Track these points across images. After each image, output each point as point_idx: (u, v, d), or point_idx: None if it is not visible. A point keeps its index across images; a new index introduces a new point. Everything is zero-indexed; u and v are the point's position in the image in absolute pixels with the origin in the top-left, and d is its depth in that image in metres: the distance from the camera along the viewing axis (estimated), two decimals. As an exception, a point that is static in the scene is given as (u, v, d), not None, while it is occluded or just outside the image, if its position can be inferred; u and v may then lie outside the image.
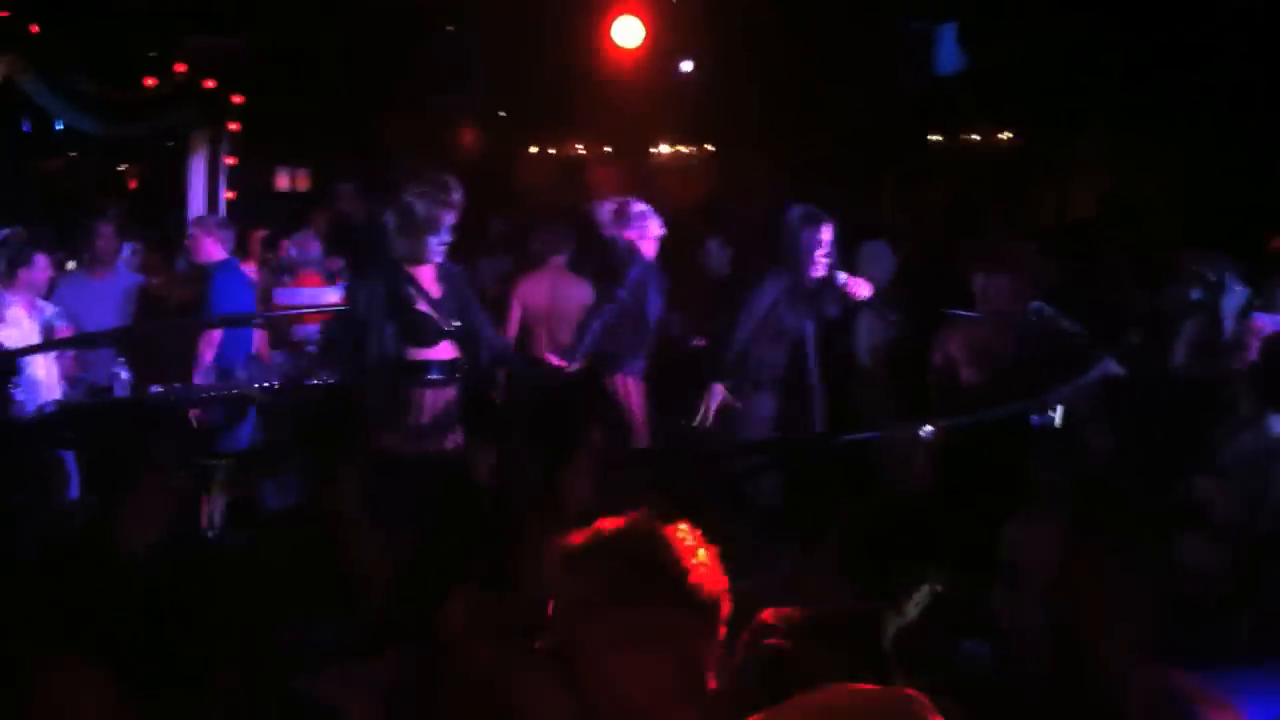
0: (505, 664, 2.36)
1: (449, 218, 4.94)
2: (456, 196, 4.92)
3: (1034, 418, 4.42)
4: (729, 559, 2.22)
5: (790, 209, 6.11)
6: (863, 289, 6.13)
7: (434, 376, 4.85)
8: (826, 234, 5.99)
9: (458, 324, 4.93)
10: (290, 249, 8.40)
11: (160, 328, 7.09)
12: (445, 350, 4.91)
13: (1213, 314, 5.16)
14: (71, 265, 8.09)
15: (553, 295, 6.94)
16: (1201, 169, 9.11)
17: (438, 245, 4.97)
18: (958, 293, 5.86)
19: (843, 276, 6.10)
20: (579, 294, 6.90)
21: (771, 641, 1.96)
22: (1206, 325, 5.24)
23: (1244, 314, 4.97)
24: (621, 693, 1.87)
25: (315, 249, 8.36)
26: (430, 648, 2.41)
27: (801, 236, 5.97)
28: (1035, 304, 5.72)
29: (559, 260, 7.02)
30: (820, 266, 5.99)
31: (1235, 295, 5.05)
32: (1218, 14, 8.50)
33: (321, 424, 3.50)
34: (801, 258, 5.96)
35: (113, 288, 7.33)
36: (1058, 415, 4.46)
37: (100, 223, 7.40)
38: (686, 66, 10.57)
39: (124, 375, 6.06)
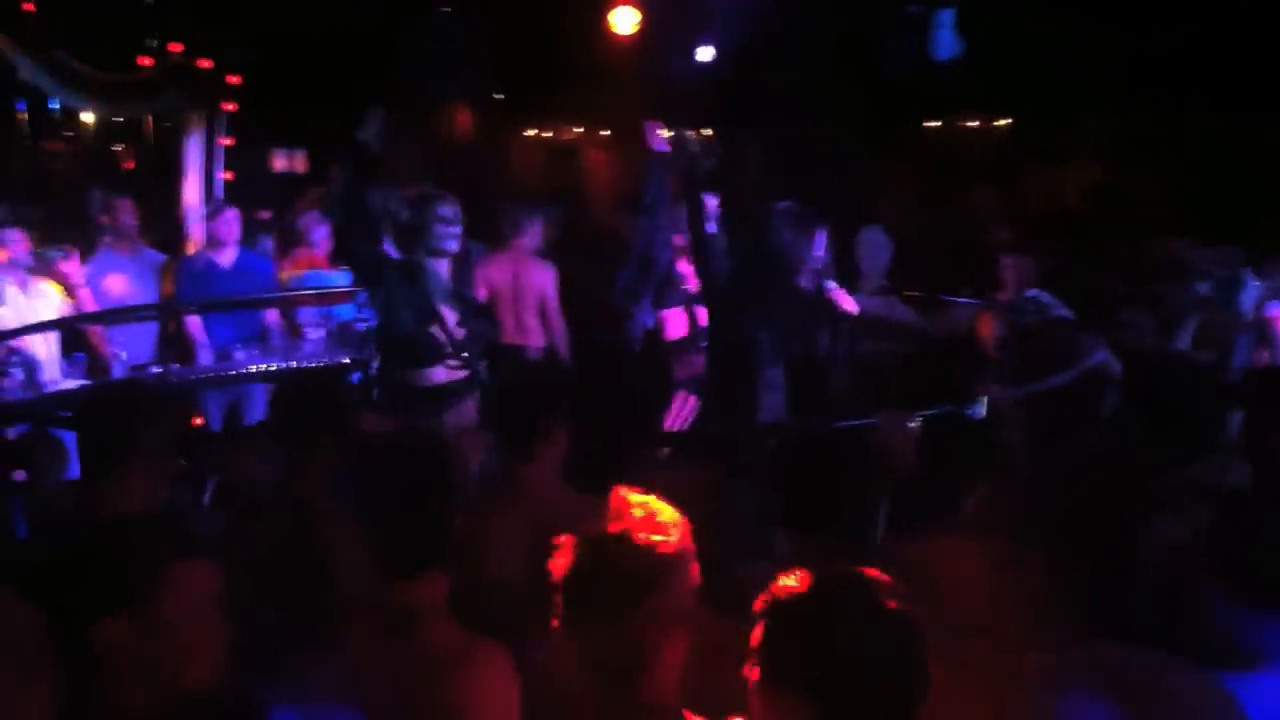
0: (466, 646, 2.37)
1: (446, 229, 4.91)
2: (447, 210, 4.89)
3: (970, 409, 4.32)
4: (731, 544, 2.23)
5: (778, 207, 5.67)
6: (849, 303, 5.73)
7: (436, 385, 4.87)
8: (820, 240, 5.55)
9: (461, 338, 4.93)
10: (301, 224, 8.35)
11: (164, 310, 7.05)
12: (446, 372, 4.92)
13: (1220, 309, 5.10)
14: (56, 254, 8.02)
15: (514, 278, 6.93)
16: (1196, 158, 9.13)
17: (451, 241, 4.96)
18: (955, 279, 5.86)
19: (832, 285, 5.73)
20: (540, 276, 6.90)
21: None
22: (1211, 320, 5.20)
23: (1259, 306, 4.92)
24: None
25: (323, 230, 8.33)
26: (392, 628, 2.41)
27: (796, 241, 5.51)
28: (1031, 291, 5.74)
29: (521, 242, 6.99)
30: (809, 276, 5.58)
31: (1252, 290, 4.99)
32: (1212, 5, 8.52)
33: (305, 406, 3.47)
34: (791, 264, 5.51)
35: (145, 265, 7.24)
36: (981, 408, 4.33)
37: (116, 198, 7.30)
38: (705, 55, 10.37)
39: (123, 356, 6.05)
